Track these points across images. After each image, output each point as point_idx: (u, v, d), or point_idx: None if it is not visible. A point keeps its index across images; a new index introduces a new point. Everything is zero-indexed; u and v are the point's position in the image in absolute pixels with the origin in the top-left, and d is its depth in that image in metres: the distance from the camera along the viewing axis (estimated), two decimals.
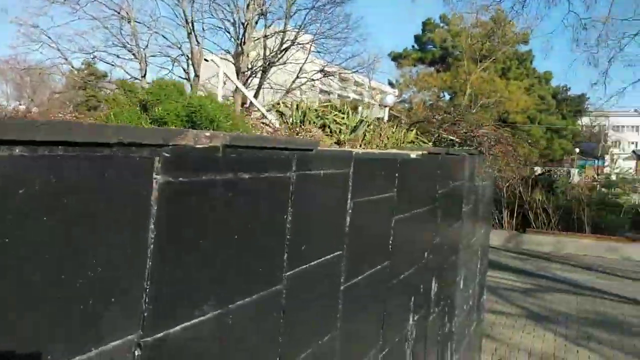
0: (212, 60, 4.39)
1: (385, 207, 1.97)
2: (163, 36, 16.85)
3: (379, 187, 1.88)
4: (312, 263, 1.41)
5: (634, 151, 70.75)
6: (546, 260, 10.27)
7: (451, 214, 3.23)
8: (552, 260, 10.27)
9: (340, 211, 1.58)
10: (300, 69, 19.33)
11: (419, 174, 2.45)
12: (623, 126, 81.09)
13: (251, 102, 5.44)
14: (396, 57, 48.60)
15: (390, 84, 49.20)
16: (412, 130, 3.73)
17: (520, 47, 48.34)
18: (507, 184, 13.02)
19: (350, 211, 1.63)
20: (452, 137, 4.05)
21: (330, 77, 23.68)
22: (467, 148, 3.91)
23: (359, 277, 1.73)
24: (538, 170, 37.96)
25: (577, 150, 42.95)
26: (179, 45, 17.10)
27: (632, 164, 57.49)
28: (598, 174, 27.40)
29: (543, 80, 48.66)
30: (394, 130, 3.50)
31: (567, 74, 56.53)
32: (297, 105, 3.80)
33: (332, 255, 1.53)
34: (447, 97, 48.98)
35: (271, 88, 19.57)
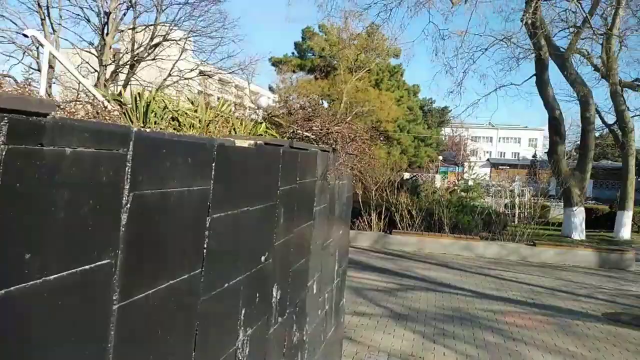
0: (32, 36, 3.68)
1: (194, 202, 1.61)
2: (12, 22, 14.82)
3: (183, 177, 1.52)
4: (50, 278, 1.00)
5: (488, 159, 79.28)
6: (409, 259, 10.72)
7: (299, 213, 2.98)
8: (415, 259, 10.76)
9: (110, 206, 1.19)
10: (173, 66, 18.30)
11: (251, 167, 2.13)
12: (480, 137, 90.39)
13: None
14: (276, 63, 48.74)
15: (271, 89, 49.23)
16: (261, 124, 3.44)
17: (392, 61, 51.57)
18: (376, 187, 13.54)
19: (128, 206, 1.24)
20: (307, 134, 3.84)
21: (207, 78, 22.83)
22: (322, 145, 3.72)
23: (147, 292, 1.35)
24: (406, 175, 40.33)
25: (441, 157, 46.93)
26: (28, 33, 15.12)
27: (487, 170, 64.10)
28: (458, 180, 29.74)
29: (412, 92, 52.30)
30: (244, 123, 3.18)
31: (431, 85, 60.98)
32: (139, 95, 3.31)
33: (94, 264, 1.13)
34: (326, 104, 50.45)
35: (140, 85, 18.21)
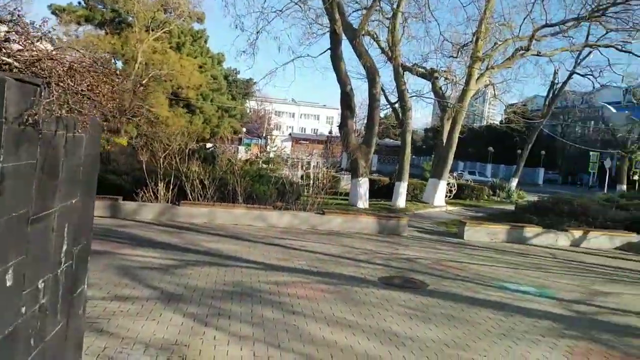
0: None
1: None
2: None
3: None
4: None
5: (290, 134, 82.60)
6: (197, 232, 9.91)
7: None
8: (204, 232, 9.99)
9: None
10: None
11: None
12: (283, 112, 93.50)
13: None
14: (58, 11, 42.03)
15: (50, 40, 42.18)
16: None
17: (195, 26, 49.04)
18: (164, 154, 12.28)
19: None
20: (5, 59, 2.66)
21: None
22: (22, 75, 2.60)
23: None
24: (209, 145, 38.99)
25: (245, 129, 46.80)
26: None
27: (289, 144, 66.61)
28: (260, 152, 30.01)
29: (216, 60, 50.72)
30: None
31: (231, 51, 60.08)
32: None
33: None
34: (120, 64, 45.54)
35: None
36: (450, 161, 18.86)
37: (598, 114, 55.11)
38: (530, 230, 12.19)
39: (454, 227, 13.47)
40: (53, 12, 41.95)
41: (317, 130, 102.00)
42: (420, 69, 20.38)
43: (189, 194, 11.88)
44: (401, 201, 17.12)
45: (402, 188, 17.11)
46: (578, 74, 33.95)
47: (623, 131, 44.60)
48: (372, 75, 15.84)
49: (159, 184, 11.74)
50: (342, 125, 15.82)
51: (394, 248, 10.01)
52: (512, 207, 18.61)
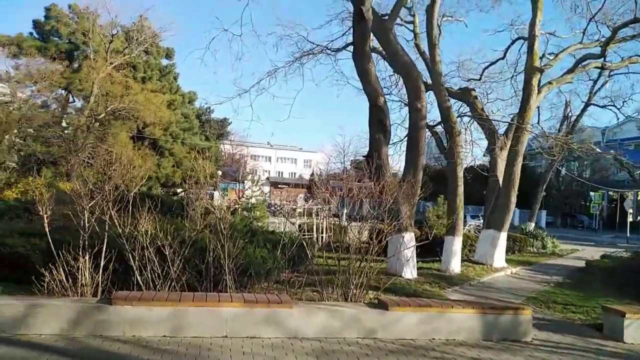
0: None
1: None
2: None
3: None
4: None
5: (268, 178, 77.60)
6: None
7: None
8: None
9: None
10: None
11: None
12: (259, 156, 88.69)
13: None
14: (6, 43, 36.61)
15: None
16: None
17: (164, 61, 44.35)
18: (93, 202, 6.88)
19: None
20: None
21: None
22: None
23: None
24: (179, 190, 32.90)
25: (220, 172, 41.51)
26: None
27: (268, 189, 61.43)
28: (239, 197, 25.47)
29: (187, 99, 45.83)
30: None
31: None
32: None
33: None
34: (77, 101, 40.06)
35: None
36: (513, 205, 13.96)
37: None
38: None
39: (574, 311, 8.45)
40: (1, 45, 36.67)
41: (294, 174, 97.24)
42: (451, 89, 15.83)
43: (137, 277, 6.50)
44: (455, 264, 12.02)
45: (457, 244, 12.07)
46: (596, 105, 30.35)
47: None
48: (413, 83, 11.05)
49: (80, 259, 6.32)
50: (372, 155, 10.81)
51: None
52: (570, 262, 14.47)
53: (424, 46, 15.72)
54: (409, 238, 10.55)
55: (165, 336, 5.52)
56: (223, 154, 58.84)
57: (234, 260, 7.26)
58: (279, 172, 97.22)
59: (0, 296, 5.57)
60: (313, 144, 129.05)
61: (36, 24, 38.82)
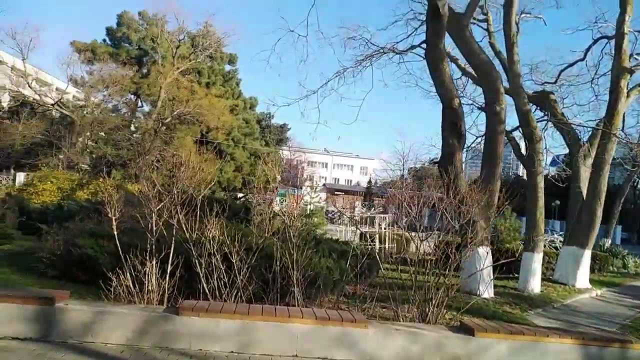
0: None
1: None
2: None
3: None
4: None
5: (324, 184, 77.48)
6: None
7: None
8: None
9: None
10: None
11: None
12: (316, 162, 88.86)
13: None
14: (82, 49, 38.65)
15: (74, 80, 38.67)
16: None
17: (227, 67, 45.19)
18: (160, 206, 6.70)
19: None
20: None
21: None
22: None
23: None
24: (240, 195, 33.25)
25: (279, 178, 41.70)
26: None
27: (324, 196, 61.34)
28: (297, 203, 25.01)
29: (249, 104, 46.48)
30: None
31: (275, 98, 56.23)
32: None
33: None
34: (145, 105, 41.55)
35: None
36: (599, 220, 12.75)
37: None
38: None
39: None
40: (77, 51, 38.68)
41: (350, 181, 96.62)
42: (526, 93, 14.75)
43: (204, 285, 6.21)
44: (535, 283, 11.03)
45: (537, 262, 11.09)
46: None
47: None
48: (492, 84, 10.27)
49: (147, 263, 6.12)
50: (445, 162, 10.10)
51: None
52: None
53: (499, 46, 14.83)
54: (485, 253, 9.75)
55: (232, 352, 5.16)
56: (282, 159, 59.37)
57: (301, 271, 6.86)
58: (335, 179, 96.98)
59: (71, 301, 5.40)
60: (369, 151, 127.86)
61: (109, 31, 40.74)
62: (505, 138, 12.84)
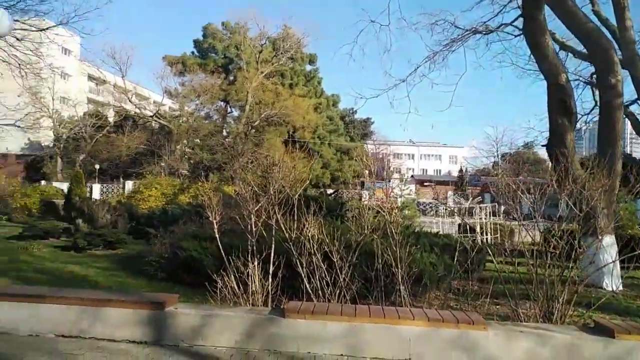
0: None
1: None
2: None
3: None
4: None
5: (412, 176, 75.82)
6: None
7: None
8: None
9: None
10: None
11: None
12: (402, 154, 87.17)
13: None
14: (173, 62, 40.97)
15: (168, 92, 41.15)
16: None
17: (307, 67, 45.57)
18: (259, 207, 6.64)
19: None
20: None
21: None
22: None
23: None
24: (330, 191, 33.29)
25: (367, 171, 41.43)
26: None
27: (412, 187, 59.86)
28: (388, 197, 24.45)
29: (331, 101, 46.56)
30: None
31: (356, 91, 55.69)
32: None
33: None
34: (234, 110, 43.12)
35: None
36: None
37: None
38: None
39: None
40: (169, 64, 41.06)
41: (439, 170, 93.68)
42: None
43: (306, 285, 6.04)
44: None
45: None
46: None
47: None
48: (604, 54, 9.13)
49: (249, 264, 6.07)
50: (554, 144, 9.14)
51: None
52: None
53: (604, 13, 13.32)
54: (610, 242, 8.70)
55: (342, 355, 4.92)
56: (368, 152, 58.97)
57: (405, 268, 6.47)
58: (423, 170, 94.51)
59: (180, 304, 5.47)
60: (457, 139, 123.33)
61: (196, 43, 42.81)
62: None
